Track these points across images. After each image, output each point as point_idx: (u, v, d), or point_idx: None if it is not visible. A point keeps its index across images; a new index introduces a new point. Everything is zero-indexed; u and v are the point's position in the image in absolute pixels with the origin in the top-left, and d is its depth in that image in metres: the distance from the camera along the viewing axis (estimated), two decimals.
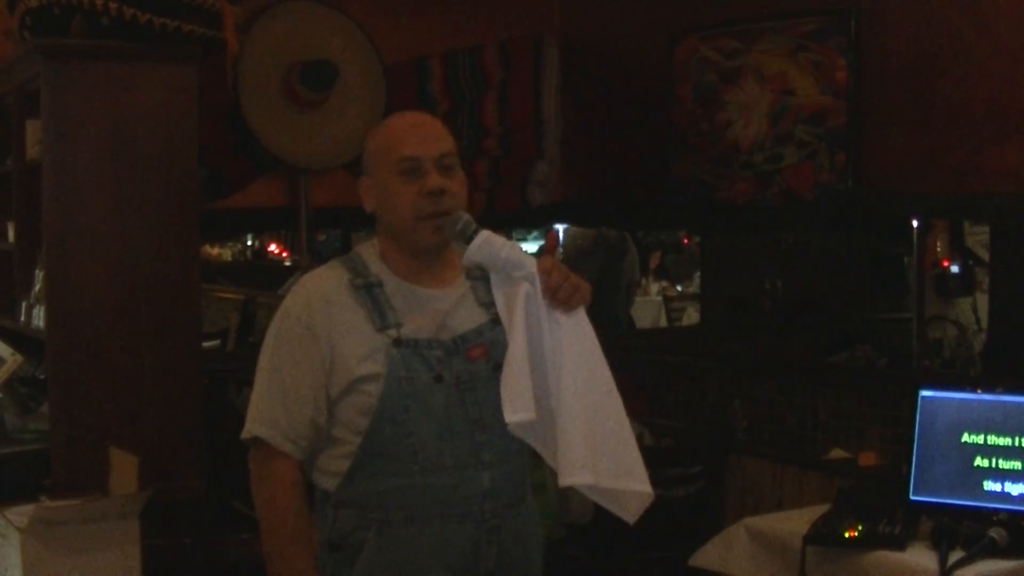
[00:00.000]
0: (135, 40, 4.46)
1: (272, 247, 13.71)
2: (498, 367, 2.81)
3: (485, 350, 2.90)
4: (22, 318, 4.84)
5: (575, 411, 2.73)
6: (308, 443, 2.88)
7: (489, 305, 2.90)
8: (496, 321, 2.87)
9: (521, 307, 2.74)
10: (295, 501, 2.86)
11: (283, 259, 13.09)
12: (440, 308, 2.92)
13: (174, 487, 4.34)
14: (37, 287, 4.69)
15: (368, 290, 2.89)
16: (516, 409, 2.68)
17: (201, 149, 4.68)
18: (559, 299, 2.76)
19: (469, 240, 2.78)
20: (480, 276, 2.94)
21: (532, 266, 2.76)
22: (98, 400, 4.41)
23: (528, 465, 3.02)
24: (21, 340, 4.89)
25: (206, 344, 5.58)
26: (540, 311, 2.75)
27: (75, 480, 4.22)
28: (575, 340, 2.78)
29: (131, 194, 4.47)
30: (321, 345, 2.85)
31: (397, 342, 2.84)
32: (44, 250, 4.47)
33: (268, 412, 2.88)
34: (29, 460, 4.44)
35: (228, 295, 8.32)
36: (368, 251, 2.98)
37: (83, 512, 3.64)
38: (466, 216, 2.85)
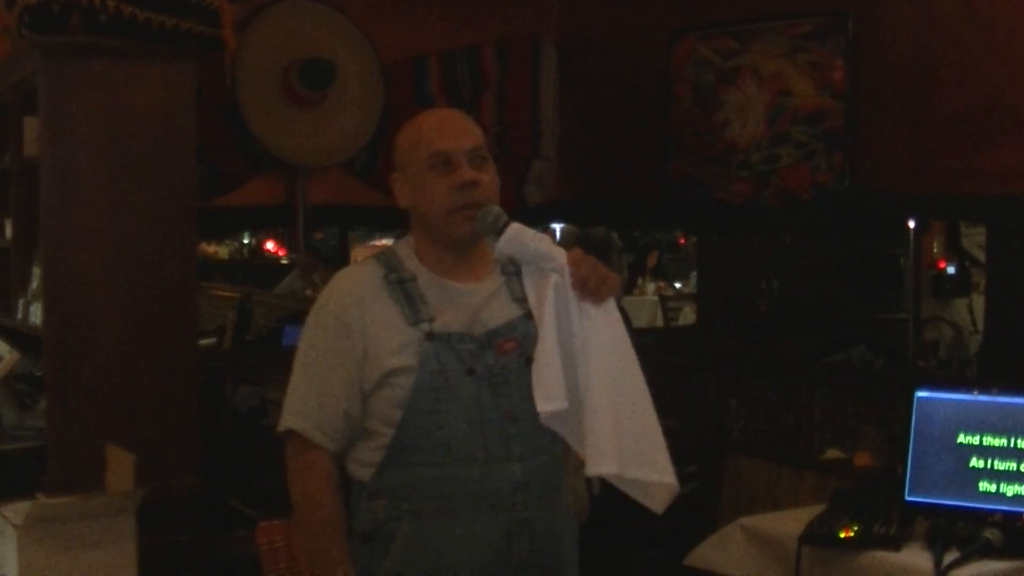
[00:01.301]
0: (133, 38, 4.46)
1: (269, 245, 13.72)
2: (530, 361, 2.83)
3: (516, 343, 2.93)
4: (19, 315, 4.84)
5: (603, 401, 2.76)
6: (342, 435, 2.92)
7: (524, 300, 2.92)
8: (530, 315, 2.89)
9: (550, 298, 2.77)
10: (329, 492, 2.92)
11: (280, 257, 13.11)
12: (473, 302, 2.95)
13: (170, 484, 4.34)
14: (34, 284, 4.69)
15: (401, 285, 2.93)
16: (548, 399, 2.71)
17: (199, 147, 4.68)
18: (588, 290, 2.79)
19: (500, 233, 2.81)
20: (515, 271, 2.97)
21: (562, 258, 2.79)
22: (95, 397, 4.41)
23: (561, 458, 3.04)
24: (18, 337, 4.89)
25: (203, 342, 5.59)
26: (570, 302, 2.78)
27: (71, 477, 4.23)
28: (604, 331, 2.81)
29: (129, 191, 4.47)
30: (354, 339, 2.89)
31: (429, 335, 2.87)
32: (41, 247, 4.48)
33: (303, 405, 2.93)
34: (26, 457, 4.44)
35: (225, 293, 8.33)
36: (403, 247, 3.02)
37: (79, 509, 3.65)
38: (497, 209, 2.87)
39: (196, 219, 4.64)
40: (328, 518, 2.91)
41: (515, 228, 2.80)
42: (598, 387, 2.76)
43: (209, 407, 4.95)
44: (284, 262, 12.30)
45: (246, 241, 14.05)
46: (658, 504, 2.88)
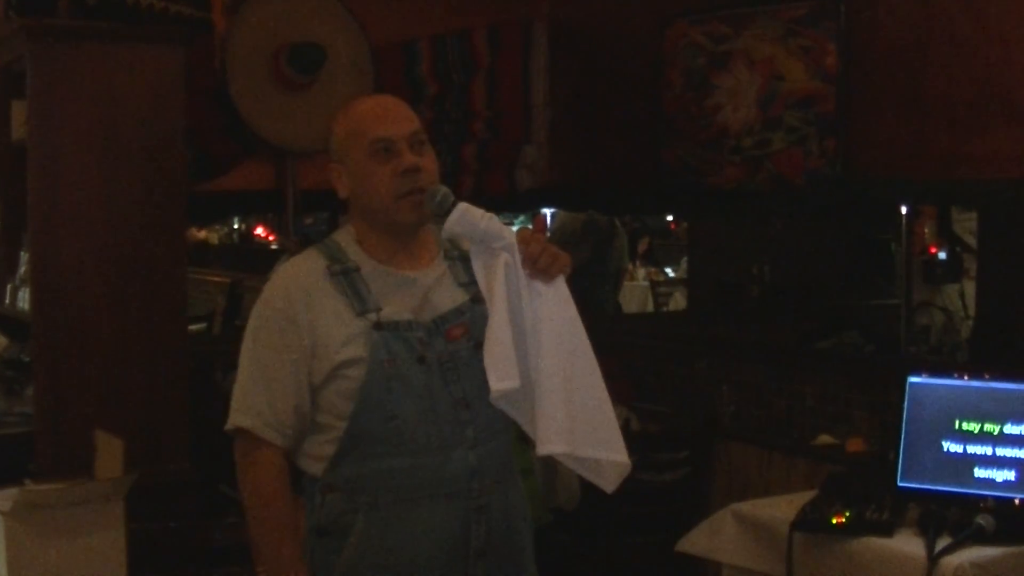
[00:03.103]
0: (122, 21, 4.44)
1: (259, 230, 13.69)
2: (479, 346, 2.83)
3: (465, 329, 2.92)
4: (7, 300, 4.83)
5: (554, 380, 2.76)
6: (292, 431, 2.90)
7: (468, 285, 2.93)
8: (476, 300, 2.90)
9: (501, 277, 2.76)
10: (280, 489, 2.89)
11: (270, 242, 13.08)
12: (419, 289, 2.94)
13: (160, 470, 4.33)
14: (22, 269, 4.68)
15: (346, 275, 2.91)
16: (501, 377, 2.70)
17: (188, 131, 4.65)
18: (539, 268, 2.79)
19: (447, 213, 2.79)
20: (458, 256, 2.98)
21: (511, 236, 2.79)
22: (83, 383, 4.39)
23: (512, 443, 3.03)
24: (6, 322, 4.87)
25: (192, 327, 5.57)
26: (520, 281, 2.78)
27: (60, 463, 4.21)
28: (555, 310, 2.81)
29: (117, 176, 4.45)
30: (302, 332, 2.86)
31: (377, 325, 2.86)
32: (29, 232, 4.45)
33: (251, 402, 2.90)
34: (14, 443, 4.42)
35: (215, 278, 8.32)
36: (344, 237, 3.00)
37: (68, 496, 3.63)
38: (444, 189, 2.86)
39: (185, 204, 4.61)
40: (280, 517, 2.88)
41: (463, 207, 2.79)
42: (550, 365, 2.76)
43: (199, 393, 4.93)
44: (274, 247, 12.27)
45: (236, 226, 14.03)
46: (609, 483, 2.88)
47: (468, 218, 2.78)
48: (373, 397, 2.83)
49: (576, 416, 2.76)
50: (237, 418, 2.91)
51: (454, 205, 2.80)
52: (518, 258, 2.77)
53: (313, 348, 2.86)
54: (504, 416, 2.87)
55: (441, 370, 2.88)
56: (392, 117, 2.95)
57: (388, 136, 2.90)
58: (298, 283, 2.92)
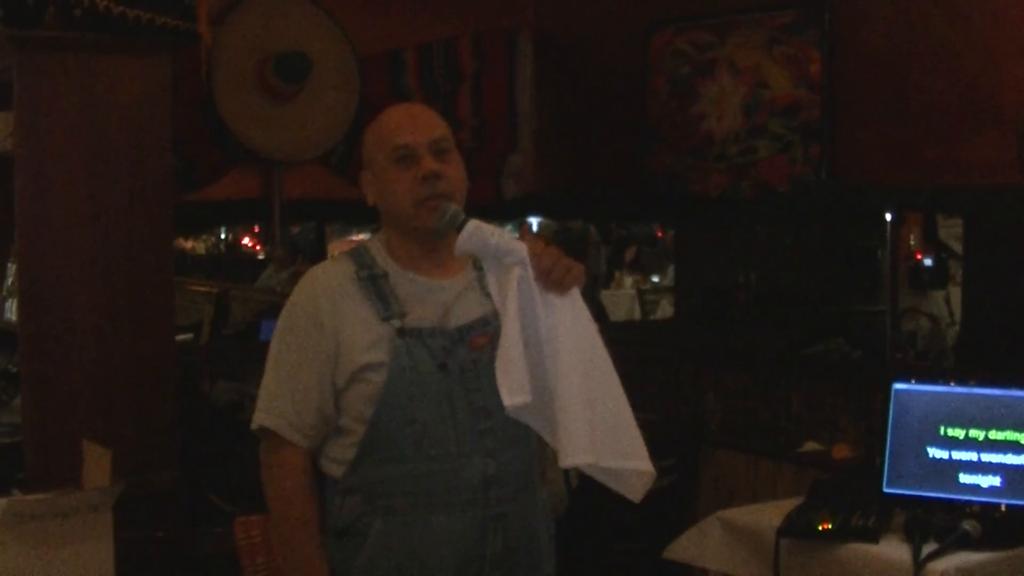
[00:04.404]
0: (108, 32, 4.44)
1: (246, 240, 13.67)
2: None
3: (489, 338, 2.93)
4: None
5: (573, 392, 2.75)
6: (316, 432, 2.94)
7: None
8: None
9: (514, 291, 2.75)
10: (303, 489, 2.93)
11: (257, 252, 13.05)
12: (445, 297, 2.98)
13: (148, 480, 4.32)
14: (9, 280, 4.67)
15: (372, 281, 2.95)
16: (513, 392, 2.69)
17: (175, 141, 4.66)
18: (552, 280, 2.78)
19: (459, 230, 2.80)
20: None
21: (523, 251, 2.78)
22: (71, 393, 4.38)
23: (536, 452, 3.05)
24: None
25: (180, 337, 5.57)
26: (534, 294, 2.77)
27: (48, 474, 4.20)
28: (571, 321, 2.80)
29: (104, 186, 4.45)
30: (326, 336, 2.90)
31: (401, 331, 2.89)
32: (16, 243, 4.45)
33: (276, 403, 2.94)
34: (1, 454, 4.42)
35: (202, 288, 8.30)
36: (375, 244, 3.04)
37: (56, 506, 3.63)
38: (454, 207, 2.88)
39: (172, 214, 4.61)
40: (302, 516, 2.92)
41: (473, 225, 2.79)
42: (568, 377, 2.75)
43: (186, 402, 4.93)
44: (261, 257, 12.24)
45: (223, 236, 14.00)
46: (635, 492, 2.87)
47: (479, 235, 2.78)
48: (393, 402, 2.86)
49: (598, 426, 2.76)
50: (261, 418, 2.95)
51: (465, 223, 2.81)
52: (531, 271, 2.78)
53: (337, 351, 2.90)
54: (525, 425, 2.88)
55: (462, 378, 2.92)
56: (414, 124, 2.99)
57: (409, 143, 2.94)
58: (325, 287, 2.96)
